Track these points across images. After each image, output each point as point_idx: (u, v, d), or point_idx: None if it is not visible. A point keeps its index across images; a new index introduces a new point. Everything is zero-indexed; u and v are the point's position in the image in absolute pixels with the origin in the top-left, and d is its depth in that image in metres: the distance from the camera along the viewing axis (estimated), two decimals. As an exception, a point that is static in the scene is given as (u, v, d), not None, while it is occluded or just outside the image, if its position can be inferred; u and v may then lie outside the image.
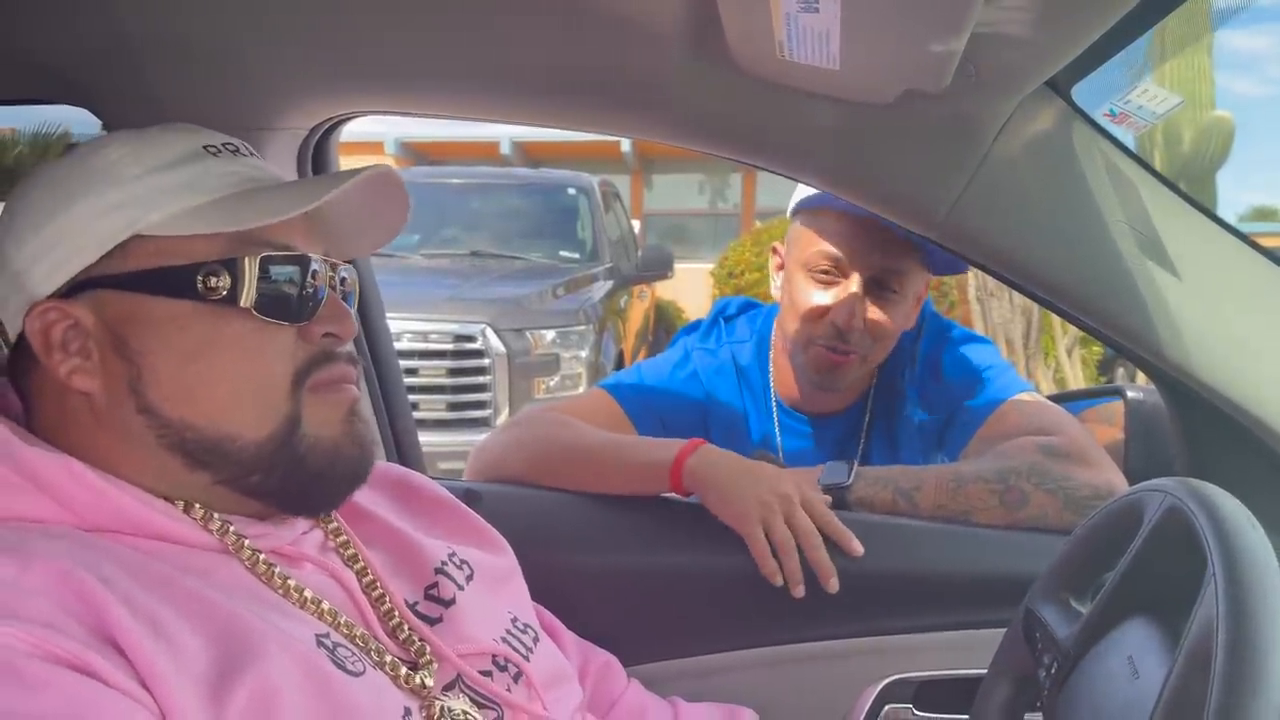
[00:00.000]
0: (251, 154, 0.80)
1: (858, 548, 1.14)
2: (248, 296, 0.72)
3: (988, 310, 7.03)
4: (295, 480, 0.74)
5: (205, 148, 0.76)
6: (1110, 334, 1.07)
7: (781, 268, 1.51)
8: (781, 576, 1.13)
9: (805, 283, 1.42)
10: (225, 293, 0.71)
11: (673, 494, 1.21)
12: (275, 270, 0.73)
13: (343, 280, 0.80)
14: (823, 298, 1.40)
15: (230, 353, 0.72)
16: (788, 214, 1.51)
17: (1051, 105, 1.00)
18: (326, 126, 1.18)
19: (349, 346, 0.80)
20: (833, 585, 1.13)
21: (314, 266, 0.75)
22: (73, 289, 0.71)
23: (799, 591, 1.12)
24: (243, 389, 0.72)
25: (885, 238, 1.34)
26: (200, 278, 0.71)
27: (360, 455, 0.78)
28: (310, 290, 0.75)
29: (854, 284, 1.38)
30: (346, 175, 0.75)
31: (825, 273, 1.40)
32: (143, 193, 0.72)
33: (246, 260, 0.72)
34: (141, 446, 0.71)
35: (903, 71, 0.90)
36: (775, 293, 1.53)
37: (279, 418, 0.73)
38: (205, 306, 0.71)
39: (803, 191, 1.43)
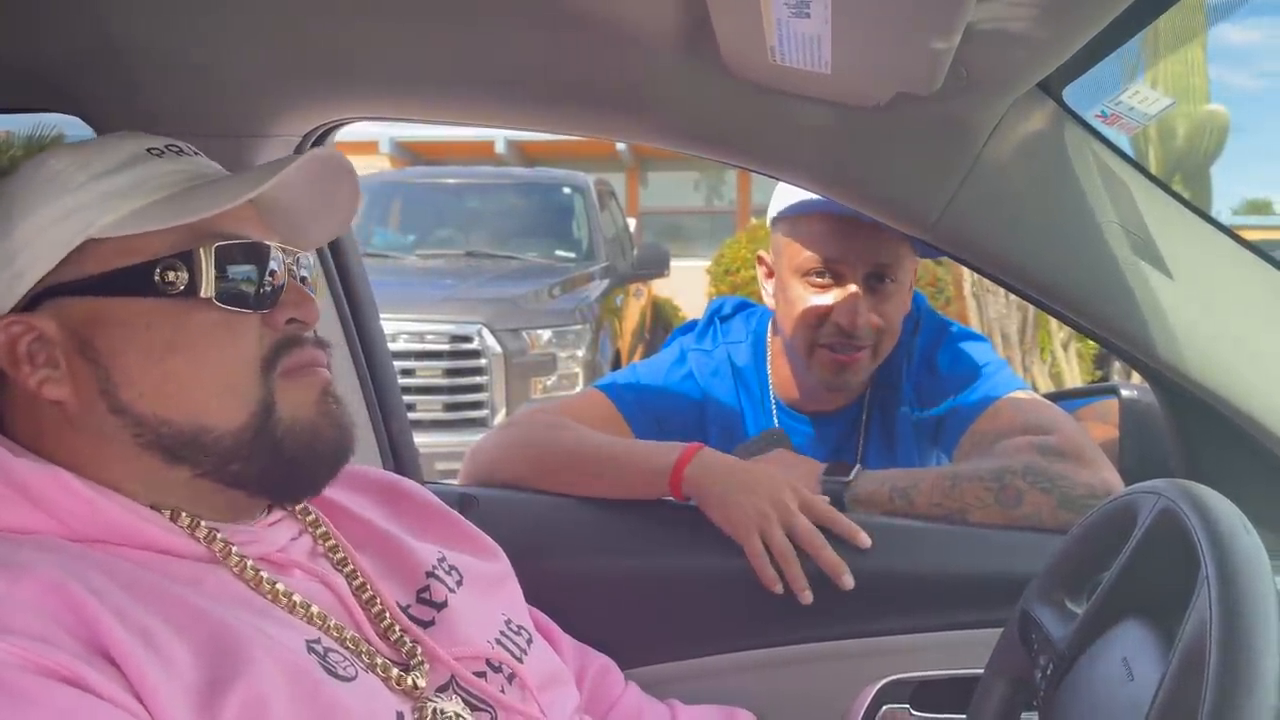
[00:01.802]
0: (195, 154, 0.81)
1: (865, 540, 1.14)
2: (207, 287, 0.72)
3: (983, 306, 7.04)
4: (276, 465, 0.75)
5: (149, 150, 0.77)
6: (1104, 334, 1.07)
7: (770, 275, 1.51)
8: (783, 584, 1.13)
9: (802, 289, 1.42)
10: (184, 286, 0.72)
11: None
12: (232, 259, 0.74)
13: (302, 268, 0.81)
14: (822, 301, 1.40)
15: (197, 345, 0.73)
16: (768, 223, 1.51)
17: (1043, 107, 1.00)
18: (320, 132, 1.18)
19: (315, 331, 0.80)
20: (846, 581, 1.13)
21: (271, 253, 0.76)
22: (34, 300, 0.72)
23: (806, 597, 1.13)
24: (213, 379, 0.73)
25: (874, 232, 1.34)
26: (158, 273, 0.72)
27: (339, 435, 0.78)
28: (269, 277, 0.76)
29: (852, 283, 1.38)
30: (289, 160, 0.76)
31: (821, 275, 1.40)
32: (91, 198, 0.72)
33: (202, 251, 0.73)
34: (118, 448, 0.72)
35: (894, 75, 0.91)
36: (768, 301, 1.53)
37: (252, 405, 0.74)
38: (166, 301, 0.72)
39: (780, 200, 1.44)
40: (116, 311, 0.72)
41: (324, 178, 0.82)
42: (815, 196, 1.34)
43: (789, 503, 1.14)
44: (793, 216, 1.42)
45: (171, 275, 0.72)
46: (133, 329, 0.72)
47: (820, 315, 1.40)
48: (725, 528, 1.16)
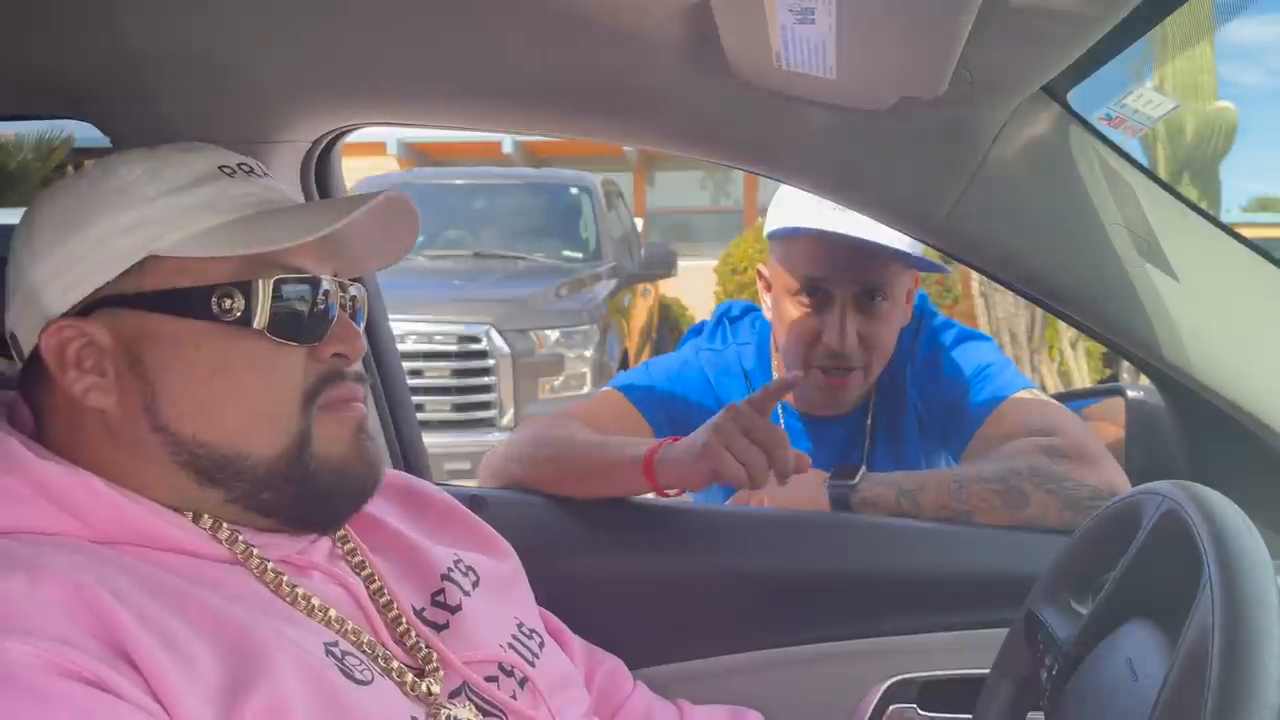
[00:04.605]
0: (265, 174, 0.81)
1: (804, 462, 1.14)
2: (261, 318, 0.73)
3: (991, 305, 7.02)
4: (305, 497, 0.76)
5: (221, 168, 0.78)
6: (1108, 335, 1.08)
7: (769, 289, 1.52)
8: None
9: (793, 309, 1.43)
10: (239, 314, 0.73)
11: (655, 494, 1.20)
12: (288, 292, 0.74)
13: (352, 299, 0.82)
14: (812, 322, 1.41)
15: (243, 373, 0.73)
16: (764, 236, 1.52)
17: (1048, 110, 1.00)
18: (330, 138, 1.19)
19: (357, 365, 0.81)
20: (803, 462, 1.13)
21: (325, 288, 0.77)
22: (88, 307, 0.73)
23: (784, 478, 1.12)
24: (255, 408, 0.74)
25: (860, 252, 1.35)
26: (215, 299, 0.72)
27: (368, 472, 0.80)
28: (321, 311, 0.76)
29: (840, 303, 1.38)
30: (360, 200, 0.76)
31: (810, 296, 1.41)
32: (160, 213, 0.73)
33: (260, 283, 0.73)
34: (154, 463, 0.73)
35: (899, 79, 0.91)
36: (766, 314, 1.54)
37: (290, 436, 0.75)
38: (219, 327, 0.73)
39: (775, 218, 1.44)
40: (168, 330, 0.72)
41: (389, 217, 0.82)
42: (806, 218, 1.35)
43: (734, 411, 1.13)
44: (784, 237, 1.43)
45: (228, 303, 0.73)
46: (182, 349, 0.72)
47: (811, 336, 1.41)
48: (701, 469, 1.13)
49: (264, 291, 0.73)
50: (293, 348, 0.75)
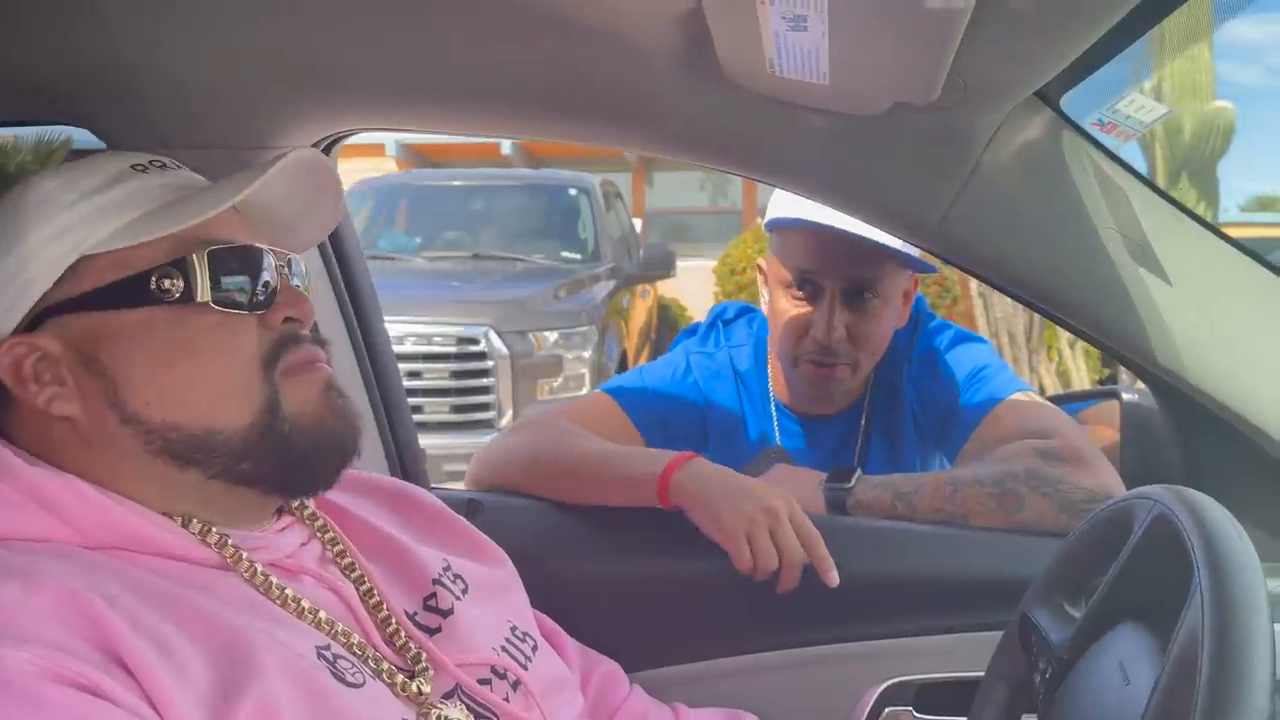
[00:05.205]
0: (179, 167, 0.82)
1: (834, 579, 1.11)
2: (203, 292, 0.74)
3: (990, 305, 7.02)
4: (285, 461, 0.76)
5: (133, 166, 0.79)
6: (1102, 339, 1.08)
7: (767, 282, 1.53)
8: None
9: (784, 300, 1.44)
10: (181, 293, 0.74)
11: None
12: (225, 263, 0.75)
13: (295, 275, 0.82)
14: (801, 314, 1.42)
15: (198, 349, 0.74)
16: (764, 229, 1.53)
17: (1041, 115, 1.01)
18: (326, 143, 1.20)
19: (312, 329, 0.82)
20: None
21: (263, 256, 0.78)
22: (35, 320, 0.73)
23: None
24: (217, 382, 0.75)
25: (853, 248, 1.35)
26: (154, 281, 0.73)
27: (344, 427, 0.80)
28: (263, 279, 0.77)
29: (829, 297, 1.39)
30: (271, 163, 0.77)
31: (800, 288, 1.41)
32: (82, 216, 0.74)
33: (195, 257, 0.74)
34: (130, 457, 0.73)
35: (892, 85, 0.91)
36: (764, 308, 1.54)
37: (257, 403, 0.75)
38: (165, 309, 0.74)
39: (773, 209, 1.45)
40: (117, 324, 0.73)
41: (306, 180, 0.84)
42: (801, 210, 1.36)
43: (779, 510, 1.11)
44: (781, 228, 1.44)
45: (167, 283, 0.74)
46: (134, 339, 0.73)
47: (800, 328, 1.42)
48: (712, 535, 1.13)
49: (200, 265, 0.74)
50: (242, 317, 0.76)
